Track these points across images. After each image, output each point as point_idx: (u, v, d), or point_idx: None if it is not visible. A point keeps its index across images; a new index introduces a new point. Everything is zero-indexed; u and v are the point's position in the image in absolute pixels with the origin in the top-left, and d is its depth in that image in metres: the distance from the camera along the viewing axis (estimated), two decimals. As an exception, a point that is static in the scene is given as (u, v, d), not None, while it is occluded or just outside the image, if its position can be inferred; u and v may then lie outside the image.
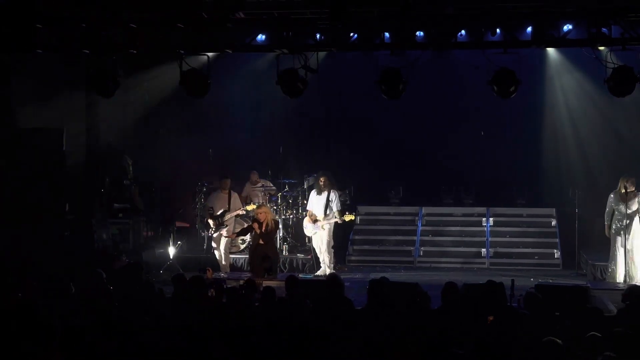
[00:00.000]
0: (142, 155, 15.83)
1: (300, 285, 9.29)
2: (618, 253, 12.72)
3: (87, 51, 11.36)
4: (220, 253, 13.92)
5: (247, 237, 14.50)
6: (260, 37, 11.70)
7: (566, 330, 7.40)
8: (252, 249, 13.41)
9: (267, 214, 13.33)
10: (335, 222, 13.61)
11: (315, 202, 13.67)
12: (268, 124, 16.73)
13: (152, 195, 15.72)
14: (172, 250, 14.04)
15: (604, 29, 10.45)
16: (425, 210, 16.29)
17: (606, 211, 12.83)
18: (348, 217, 13.63)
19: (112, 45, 11.32)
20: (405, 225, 16.11)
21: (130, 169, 15.11)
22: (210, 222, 13.84)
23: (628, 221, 12.56)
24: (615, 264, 12.78)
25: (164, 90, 15.26)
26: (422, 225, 15.98)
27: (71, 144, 13.98)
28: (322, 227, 13.51)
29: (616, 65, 10.37)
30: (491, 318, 8.05)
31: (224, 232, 13.84)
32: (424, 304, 8.43)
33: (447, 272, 14.11)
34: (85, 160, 14.93)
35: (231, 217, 13.93)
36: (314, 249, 13.95)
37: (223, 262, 13.90)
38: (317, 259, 13.90)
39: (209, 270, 12.00)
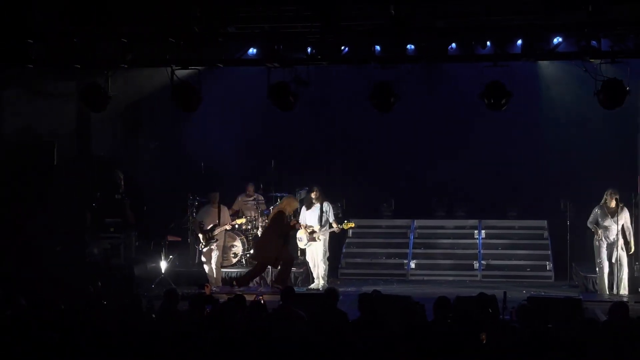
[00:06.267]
0: (133, 170, 15.78)
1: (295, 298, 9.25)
2: (603, 266, 12.76)
3: (79, 66, 11.33)
4: (210, 267, 13.94)
5: (239, 251, 14.51)
6: (252, 50, 11.72)
7: (560, 342, 7.38)
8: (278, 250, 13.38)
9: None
10: (332, 233, 13.63)
11: (308, 215, 13.65)
12: (259, 137, 16.71)
13: (143, 210, 15.66)
14: (163, 265, 13.99)
15: (593, 42, 10.49)
16: (417, 223, 16.31)
17: (589, 221, 12.98)
18: (347, 225, 13.68)
19: (103, 59, 11.31)
20: (398, 238, 16.12)
21: (122, 183, 15.06)
22: (200, 236, 13.84)
23: (615, 235, 12.62)
24: (600, 277, 12.82)
25: (154, 103, 15.22)
26: (414, 238, 16.00)
27: (62, 158, 13.92)
28: (318, 238, 13.50)
29: (606, 78, 10.41)
30: (484, 336, 7.99)
31: (214, 246, 13.85)
32: (417, 317, 8.40)
33: (439, 285, 14.13)
34: (77, 175, 14.86)
35: (221, 231, 13.91)
36: (307, 262, 13.93)
37: (215, 276, 13.90)
38: (311, 272, 13.87)
39: (207, 286, 11.94)
